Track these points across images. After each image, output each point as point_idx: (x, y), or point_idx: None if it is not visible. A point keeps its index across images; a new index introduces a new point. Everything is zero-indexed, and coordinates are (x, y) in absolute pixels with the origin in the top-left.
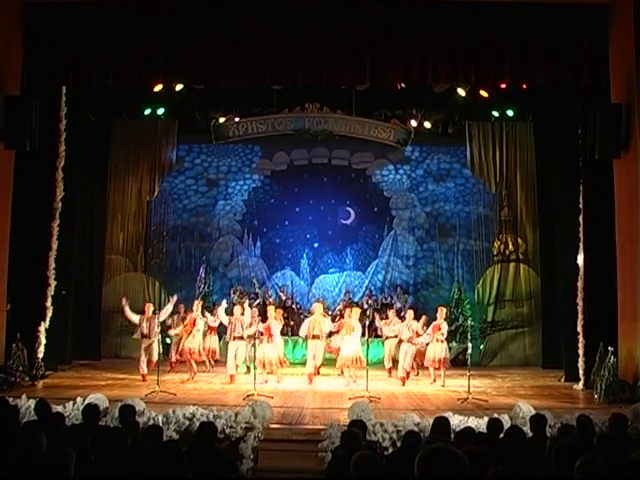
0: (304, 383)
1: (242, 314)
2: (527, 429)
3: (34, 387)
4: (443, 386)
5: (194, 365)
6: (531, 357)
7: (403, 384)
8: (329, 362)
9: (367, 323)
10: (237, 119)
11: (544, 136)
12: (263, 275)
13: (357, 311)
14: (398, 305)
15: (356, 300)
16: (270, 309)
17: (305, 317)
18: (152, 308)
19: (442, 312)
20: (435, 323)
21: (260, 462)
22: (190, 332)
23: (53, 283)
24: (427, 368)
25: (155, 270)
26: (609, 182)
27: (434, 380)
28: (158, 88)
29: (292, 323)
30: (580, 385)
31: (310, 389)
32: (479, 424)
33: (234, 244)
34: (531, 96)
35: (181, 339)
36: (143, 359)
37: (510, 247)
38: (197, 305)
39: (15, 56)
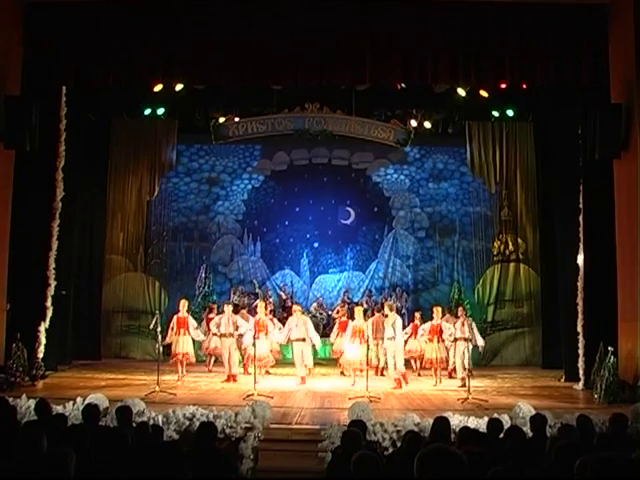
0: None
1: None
2: (527, 429)
3: (34, 387)
4: (435, 385)
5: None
6: (531, 357)
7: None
8: (329, 362)
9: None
10: (237, 119)
11: (544, 136)
12: (263, 275)
13: (360, 309)
14: (398, 305)
15: (356, 300)
16: (260, 304)
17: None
18: (231, 307)
19: (438, 312)
20: (433, 323)
21: (260, 462)
22: (180, 333)
23: (53, 283)
24: (429, 368)
25: (155, 270)
26: (609, 182)
27: (438, 381)
28: (158, 88)
29: None
30: (580, 385)
31: (310, 389)
32: (479, 424)
33: (234, 244)
34: (531, 96)
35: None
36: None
37: (510, 247)
38: (183, 304)
39: (15, 56)
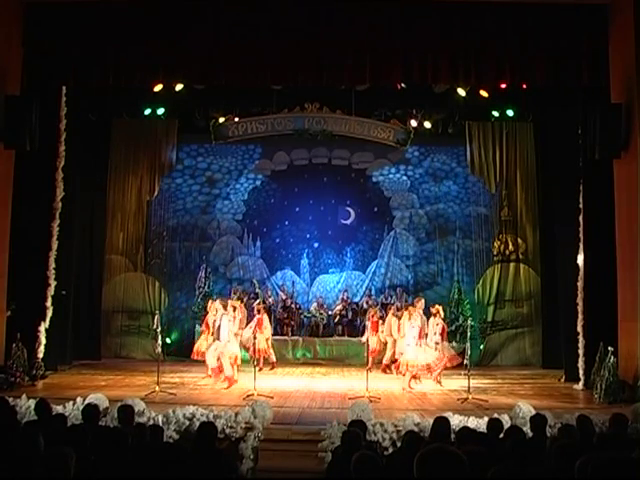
0: (304, 383)
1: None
2: (527, 429)
3: (34, 387)
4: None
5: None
6: (531, 357)
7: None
8: (328, 362)
9: (367, 324)
10: (237, 119)
11: (544, 136)
12: (263, 275)
13: (419, 307)
14: (398, 305)
15: (356, 300)
16: (230, 303)
17: (305, 317)
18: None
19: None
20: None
21: (260, 462)
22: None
23: (53, 283)
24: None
25: (155, 270)
26: (609, 182)
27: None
28: (158, 88)
29: (292, 323)
30: (580, 385)
31: (310, 389)
32: (479, 424)
33: (234, 244)
34: (531, 96)
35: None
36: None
37: (510, 247)
38: (211, 305)
39: (15, 56)
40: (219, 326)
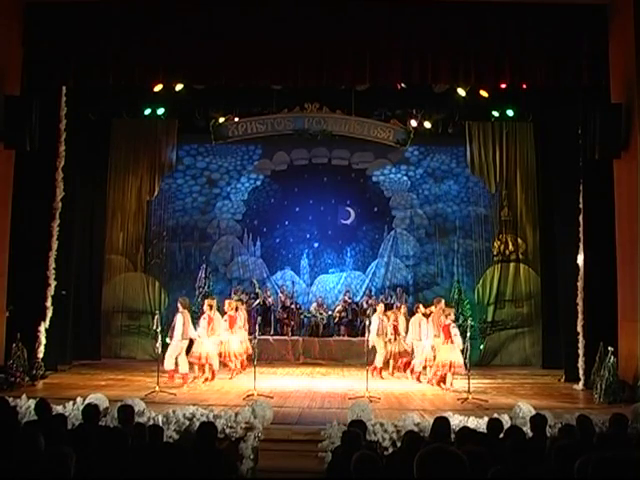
0: (304, 383)
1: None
2: (527, 429)
3: (34, 387)
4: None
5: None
6: (531, 357)
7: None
8: (328, 362)
9: (367, 323)
10: (237, 119)
11: (544, 136)
12: (263, 275)
13: (445, 309)
14: (398, 305)
15: (356, 300)
16: (207, 302)
17: (305, 317)
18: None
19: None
20: (446, 322)
21: (260, 462)
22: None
23: (53, 283)
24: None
25: (155, 270)
26: (609, 182)
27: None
28: (158, 88)
29: (292, 323)
30: (580, 385)
31: (310, 389)
32: (479, 424)
33: (234, 244)
34: (531, 96)
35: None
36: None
37: (510, 247)
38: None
39: (15, 56)
40: (173, 325)
